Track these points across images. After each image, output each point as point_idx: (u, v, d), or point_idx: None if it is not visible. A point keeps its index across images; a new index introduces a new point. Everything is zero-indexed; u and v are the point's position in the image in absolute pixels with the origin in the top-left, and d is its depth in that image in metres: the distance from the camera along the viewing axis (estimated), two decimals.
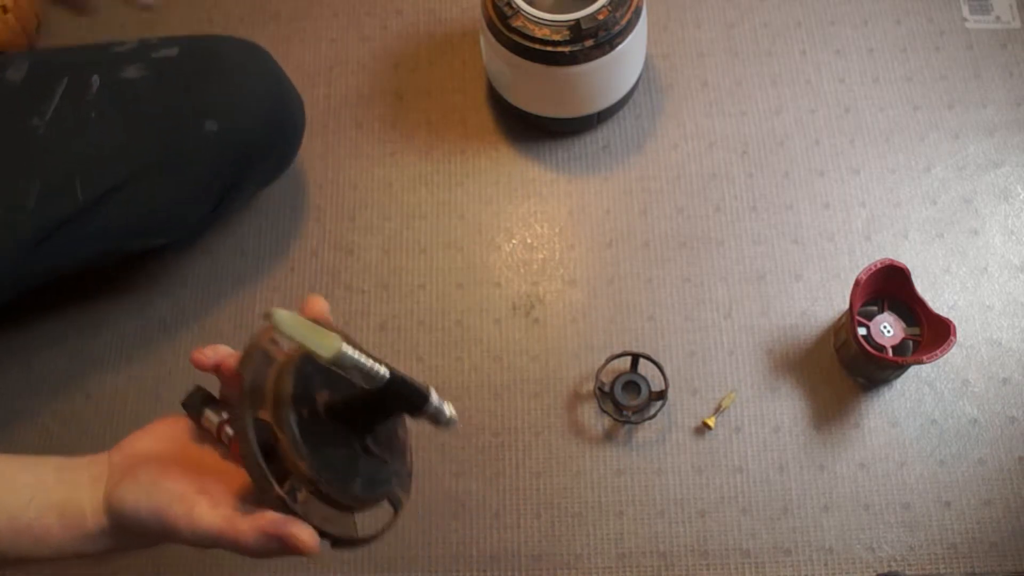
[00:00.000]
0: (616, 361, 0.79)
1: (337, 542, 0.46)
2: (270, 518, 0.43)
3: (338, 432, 0.47)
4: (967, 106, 0.89)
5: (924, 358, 0.69)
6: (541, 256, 0.86)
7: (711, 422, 0.78)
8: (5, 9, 0.88)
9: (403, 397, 0.44)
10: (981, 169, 0.87)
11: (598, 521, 0.76)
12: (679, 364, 0.81)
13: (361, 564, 0.75)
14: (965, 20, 0.93)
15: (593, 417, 0.79)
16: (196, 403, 0.49)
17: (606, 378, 0.79)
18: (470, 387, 0.81)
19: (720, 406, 0.79)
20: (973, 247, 0.84)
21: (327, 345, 0.40)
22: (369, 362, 0.42)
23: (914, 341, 0.76)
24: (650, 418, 0.78)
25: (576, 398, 0.80)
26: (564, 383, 0.81)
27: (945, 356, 0.71)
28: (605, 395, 0.78)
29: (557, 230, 0.87)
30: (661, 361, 0.78)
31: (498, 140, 0.90)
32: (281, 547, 0.43)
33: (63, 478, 0.48)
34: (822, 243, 0.84)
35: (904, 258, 0.82)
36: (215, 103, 0.65)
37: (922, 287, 0.78)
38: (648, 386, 0.78)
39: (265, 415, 0.44)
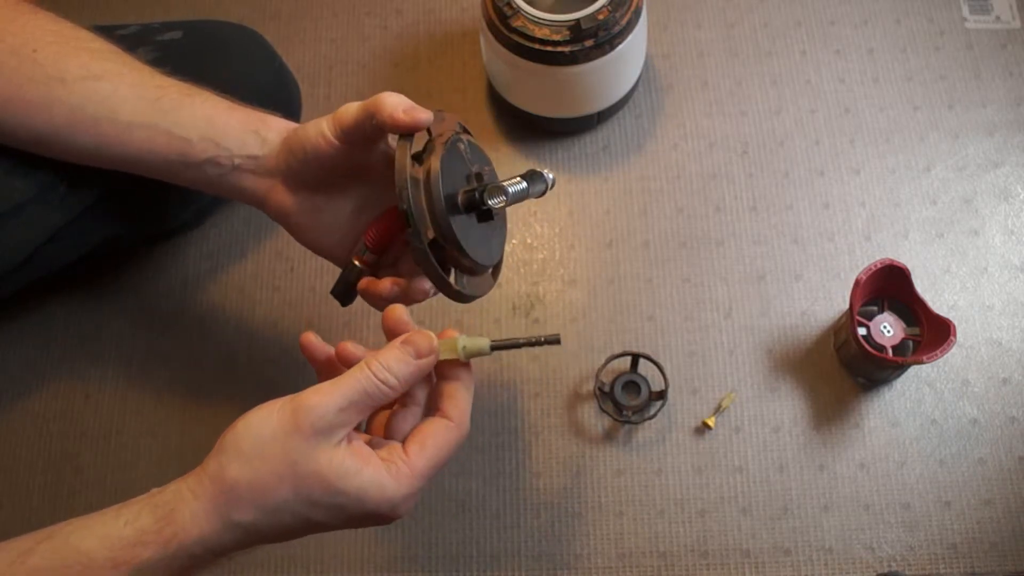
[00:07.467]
0: (616, 361, 0.79)
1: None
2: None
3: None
4: (967, 106, 0.89)
5: (924, 358, 0.69)
6: (541, 256, 0.86)
7: (711, 422, 0.78)
8: None
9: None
10: (981, 169, 0.87)
11: (598, 521, 0.76)
12: (679, 364, 0.81)
13: (361, 564, 0.75)
14: (965, 20, 0.93)
15: (593, 417, 0.79)
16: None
17: (606, 378, 0.79)
18: None
19: (720, 406, 0.79)
20: (973, 247, 0.84)
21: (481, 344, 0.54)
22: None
23: (914, 341, 0.76)
24: (650, 418, 0.78)
25: (576, 398, 0.80)
26: (564, 383, 0.81)
27: (945, 356, 0.71)
28: (605, 395, 0.78)
29: (557, 230, 0.87)
30: (661, 361, 0.78)
31: (498, 140, 0.90)
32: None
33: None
34: (822, 243, 0.84)
35: (904, 258, 0.82)
36: (224, 87, 0.65)
37: (922, 287, 0.78)
38: (648, 386, 0.78)
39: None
